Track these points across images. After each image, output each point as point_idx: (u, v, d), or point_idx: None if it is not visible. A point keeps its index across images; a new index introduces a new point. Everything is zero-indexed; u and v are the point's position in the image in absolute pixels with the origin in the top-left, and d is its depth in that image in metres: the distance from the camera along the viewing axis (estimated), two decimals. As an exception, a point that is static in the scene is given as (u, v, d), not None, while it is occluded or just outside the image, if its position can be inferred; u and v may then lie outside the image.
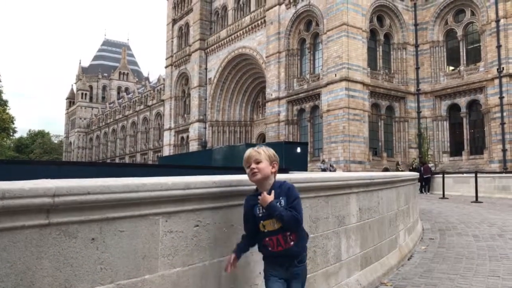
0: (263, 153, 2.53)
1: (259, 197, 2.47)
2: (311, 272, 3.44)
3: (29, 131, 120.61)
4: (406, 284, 4.60)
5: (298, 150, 24.60)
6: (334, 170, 27.68)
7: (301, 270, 2.56)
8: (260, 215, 2.47)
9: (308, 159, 28.68)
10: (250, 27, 42.24)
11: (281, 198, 2.45)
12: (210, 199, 2.56)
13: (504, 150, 28.04)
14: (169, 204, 2.33)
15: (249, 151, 2.56)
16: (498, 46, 28.59)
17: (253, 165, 2.50)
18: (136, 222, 2.17)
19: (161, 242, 2.28)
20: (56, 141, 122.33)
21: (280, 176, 3.01)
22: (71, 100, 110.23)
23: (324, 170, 26.33)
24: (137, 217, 2.17)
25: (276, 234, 2.44)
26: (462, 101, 31.24)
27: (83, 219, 1.94)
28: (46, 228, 1.82)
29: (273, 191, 2.47)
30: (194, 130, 49.54)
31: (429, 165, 25.62)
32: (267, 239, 2.47)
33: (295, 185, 3.25)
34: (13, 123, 62.83)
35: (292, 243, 2.46)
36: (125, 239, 2.11)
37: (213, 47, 47.92)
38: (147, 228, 2.22)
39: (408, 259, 5.83)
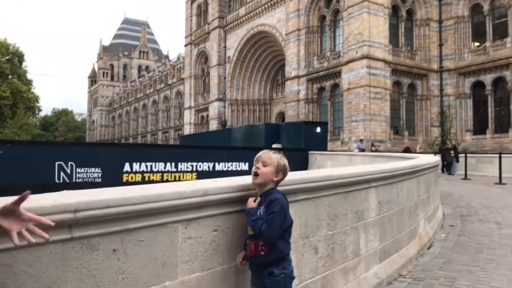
0: (275, 160, 2.53)
1: (248, 201, 2.51)
2: (329, 269, 3.47)
3: (53, 109, 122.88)
4: (425, 276, 4.59)
5: (318, 130, 24.42)
6: (376, 150, 26.02)
7: (272, 284, 2.45)
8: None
9: (328, 138, 28.52)
10: (269, 4, 41.68)
11: (262, 207, 2.45)
12: (229, 203, 2.58)
13: (530, 129, 27.38)
14: (188, 212, 2.36)
15: (265, 151, 2.59)
16: (527, 21, 27.59)
17: (259, 165, 2.52)
18: (155, 231, 2.21)
19: (181, 249, 2.33)
20: (79, 119, 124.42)
21: (290, 177, 3.00)
22: (93, 78, 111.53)
23: (362, 150, 25.06)
24: (157, 226, 2.21)
25: (252, 239, 2.46)
26: (487, 78, 30.43)
27: (104, 232, 1.99)
28: (69, 242, 1.87)
29: (259, 198, 2.50)
30: (213, 109, 49.67)
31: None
32: (248, 241, 2.51)
33: (313, 184, 3.27)
34: (38, 102, 64.10)
35: (262, 253, 2.44)
36: (145, 248, 2.16)
37: (232, 25, 47.53)
38: (166, 236, 2.26)
39: (428, 248, 5.80)
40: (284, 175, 2.60)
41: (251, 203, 2.48)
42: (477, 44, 32.01)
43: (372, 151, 25.48)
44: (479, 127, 31.30)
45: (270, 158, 2.53)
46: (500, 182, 15.69)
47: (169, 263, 2.27)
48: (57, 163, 15.09)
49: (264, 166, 2.51)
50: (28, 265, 1.75)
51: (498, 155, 18.16)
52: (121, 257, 2.06)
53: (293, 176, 3.19)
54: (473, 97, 31.71)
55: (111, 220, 2.00)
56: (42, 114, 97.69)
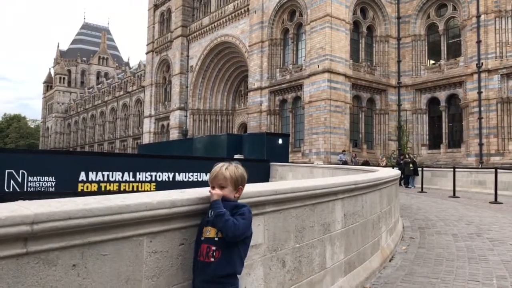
0: (230, 177, 2.41)
1: (211, 190, 2.38)
2: (296, 283, 3.40)
3: (5, 114, 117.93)
4: (388, 289, 4.62)
5: (280, 141, 24.60)
6: (358, 163, 25.85)
7: None
8: (206, 220, 2.36)
9: (289, 150, 28.74)
10: (233, 15, 41.84)
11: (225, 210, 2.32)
12: (196, 215, 2.47)
13: (480, 144, 28.60)
14: (154, 224, 2.23)
15: (217, 171, 2.44)
16: (478, 42, 28.98)
17: (216, 190, 2.40)
18: (119, 245, 2.07)
19: (145, 264, 2.20)
20: (32, 126, 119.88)
21: (260, 188, 2.93)
22: (48, 84, 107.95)
23: (345, 162, 24.92)
24: (121, 239, 2.07)
25: (205, 242, 2.31)
26: (442, 95, 31.67)
27: (64, 245, 1.84)
28: (24, 258, 1.71)
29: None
30: (175, 118, 49.10)
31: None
32: (201, 245, 2.34)
33: (282, 196, 3.21)
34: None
35: (212, 259, 2.27)
36: (108, 263, 2.02)
37: (195, 34, 47.37)
38: (131, 250, 2.12)
39: (390, 261, 5.86)
40: (243, 186, 2.50)
41: (220, 193, 2.36)
42: (432, 62, 33.34)
43: (353, 163, 25.42)
44: (434, 142, 32.44)
45: (225, 177, 2.40)
46: (454, 196, 16.24)
47: (133, 278, 2.14)
48: (7, 171, 14.40)
49: (222, 187, 2.40)
50: (-24, 283, 1.58)
51: (452, 169, 18.84)
52: (81, 273, 1.91)
53: (262, 187, 3.12)
54: (429, 113, 32.88)
55: (71, 233, 1.85)
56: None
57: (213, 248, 2.28)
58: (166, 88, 53.60)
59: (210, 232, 2.32)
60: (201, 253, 2.31)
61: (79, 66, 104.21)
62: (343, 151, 28.09)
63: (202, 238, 2.35)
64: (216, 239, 2.29)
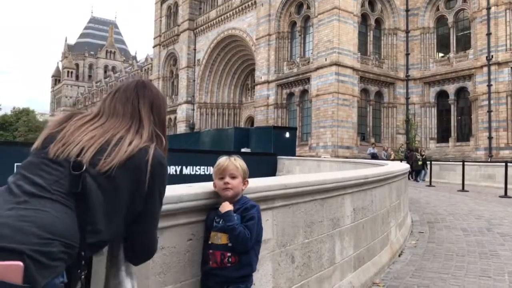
0: (240, 168, 2.39)
1: (223, 204, 2.33)
2: (305, 278, 3.36)
3: (13, 108, 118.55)
4: (398, 284, 4.56)
5: (287, 135, 24.50)
6: (389, 157, 24.90)
7: None
8: (214, 225, 2.32)
9: (297, 143, 28.65)
10: (240, 8, 41.64)
11: (235, 214, 2.29)
12: (204, 210, 2.43)
13: (490, 138, 28.31)
14: (161, 219, 2.17)
15: (226, 162, 2.40)
16: (488, 34, 28.59)
17: (228, 179, 2.35)
18: (125, 241, 2.02)
19: (152, 260, 2.14)
20: (41, 119, 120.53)
21: (269, 182, 2.88)
22: (56, 78, 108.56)
23: (374, 156, 24.19)
24: (127, 235, 2.03)
25: (217, 249, 2.27)
26: (451, 88, 31.35)
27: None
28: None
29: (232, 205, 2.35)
30: (182, 112, 49.14)
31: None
32: (210, 251, 2.29)
33: (292, 190, 3.16)
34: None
35: (228, 264, 2.25)
36: (114, 259, 1.97)
37: (202, 27, 47.23)
38: (137, 246, 2.08)
39: (399, 255, 5.79)
40: (248, 180, 2.48)
41: (229, 205, 2.31)
42: (441, 54, 32.97)
43: (384, 158, 24.19)
44: (442, 135, 32.17)
45: (237, 168, 2.38)
46: (463, 190, 16.09)
47: (139, 275, 2.08)
48: (16, 164, 14.45)
49: (233, 178, 2.36)
50: None
51: (461, 163, 18.69)
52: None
53: (272, 182, 3.07)
54: (437, 106, 32.58)
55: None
56: (0, 113, 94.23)
57: (228, 254, 2.26)
58: (173, 82, 53.59)
59: (221, 238, 2.28)
60: (215, 260, 2.26)
61: (86, 60, 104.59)
62: (372, 143, 27.74)
63: (210, 242, 2.31)
64: (230, 245, 2.25)
